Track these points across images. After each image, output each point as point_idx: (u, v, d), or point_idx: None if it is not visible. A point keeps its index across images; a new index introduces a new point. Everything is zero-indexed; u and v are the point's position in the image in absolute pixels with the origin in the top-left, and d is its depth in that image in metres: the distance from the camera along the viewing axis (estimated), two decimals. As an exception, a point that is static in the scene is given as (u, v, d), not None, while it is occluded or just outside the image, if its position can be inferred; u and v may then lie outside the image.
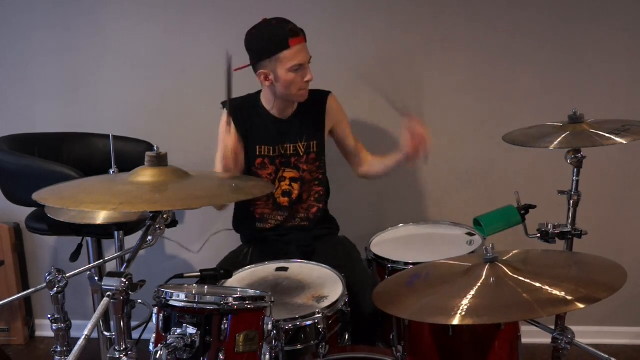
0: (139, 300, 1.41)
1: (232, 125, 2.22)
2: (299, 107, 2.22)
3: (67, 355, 1.58)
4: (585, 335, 2.57)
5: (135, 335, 1.70)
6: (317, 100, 2.24)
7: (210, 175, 1.87)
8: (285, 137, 2.22)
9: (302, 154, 2.22)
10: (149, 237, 1.42)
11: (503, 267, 1.48)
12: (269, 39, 2.04)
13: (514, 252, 1.62)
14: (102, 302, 1.26)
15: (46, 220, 2.11)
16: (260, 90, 2.26)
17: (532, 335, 2.31)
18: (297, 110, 2.23)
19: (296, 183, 2.23)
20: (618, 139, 1.73)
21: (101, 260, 1.85)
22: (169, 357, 1.33)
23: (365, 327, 1.94)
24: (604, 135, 1.76)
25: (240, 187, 1.54)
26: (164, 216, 1.44)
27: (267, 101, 2.23)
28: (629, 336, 2.83)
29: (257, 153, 2.22)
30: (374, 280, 2.02)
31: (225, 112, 2.27)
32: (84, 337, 1.22)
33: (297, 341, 1.70)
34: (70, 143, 2.64)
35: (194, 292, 1.48)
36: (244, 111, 2.23)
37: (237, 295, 1.49)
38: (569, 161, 1.83)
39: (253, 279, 1.96)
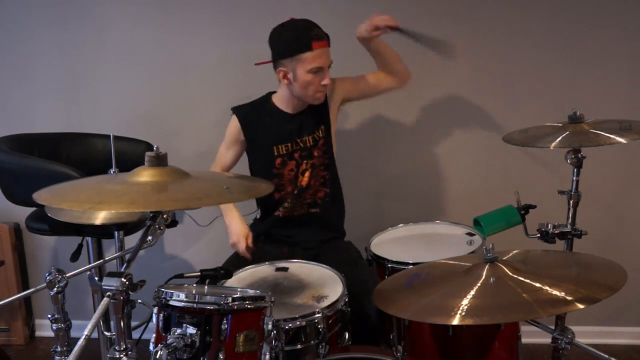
0: (139, 300, 1.41)
1: (242, 136, 2.26)
2: None
3: (67, 355, 1.58)
4: (585, 335, 2.57)
5: (135, 335, 1.70)
6: None
7: (210, 175, 1.87)
8: (302, 129, 2.24)
9: (318, 141, 2.25)
10: (149, 237, 1.42)
11: (503, 267, 1.48)
12: (293, 39, 2.07)
13: (514, 252, 1.62)
14: (102, 302, 1.26)
15: (46, 220, 2.11)
16: (269, 93, 2.29)
17: (532, 335, 2.31)
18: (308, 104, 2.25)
19: (308, 171, 2.25)
20: (618, 139, 1.73)
21: (101, 260, 1.85)
22: (169, 357, 1.33)
23: (368, 333, 1.93)
24: (604, 135, 1.76)
25: (235, 188, 1.53)
26: (164, 216, 1.44)
27: (280, 100, 2.25)
28: (629, 336, 2.83)
29: (276, 154, 2.23)
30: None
31: (234, 118, 2.28)
32: (84, 337, 1.22)
33: (297, 341, 1.71)
34: (70, 143, 2.63)
35: (194, 292, 1.48)
36: (253, 116, 2.26)
37: (237, 295, 1.49)
38: (569, 161, 1.83)
39: (253, 279, 1.96)
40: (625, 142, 1.72)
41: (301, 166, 2.24)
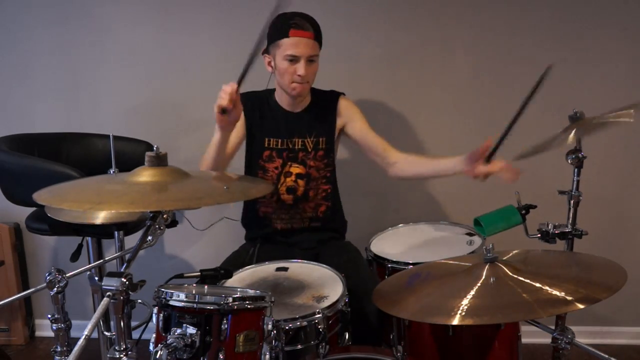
0: (139, 300, 1.41)
1: (242, 116, 2.21)
2: (310, 103, 2.25)
3: (67, 355, 1.58)
4: (585, 335, 2.57)
5: (135, 335, 1.69)
6: (330, 99, 2.28)
7: (210, 175, 1.87)
8: (294, 131, 2.24)
9: (310, 149, 2.24)
10: (149, 237, 1.42)
11: (503, 267, 1.48)
12: (275, 26, 2.09)
13: (514, 252, 1.62)
14: (102, 302, 1.26)
15: (46, 220, 2.11)
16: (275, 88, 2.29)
17: (532, 335, 2.31)
18: (308, 106, 2.25)
19: (302, 179, 2.24)
20: (624, 118, 1.68)
21: (101, 260, 1.84)
22: (169, 357, 1.33)
23: (368, 333, 1.93)
24: (609, 116, 1.71)
25: (235, 188, 1.53)
26: (164, 216, 1.44)
27: (278, 95, 2.26)
28: (629, 336, 2.82)
29: (266, 145, 2.23)
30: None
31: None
32: (84, 337, 1.22)
33: (297, 341, 1.70)
34: (70, 143, 2.64)
35: (194, 292, 1.48)
36: (255, 103, 2.26)
37: (237, 295, 1.49)
38: (569, 161, 1.83)
39: (253, 279, 1.96)
40: (631, 120, 1.65)
41: (286, 167, 2.24)
